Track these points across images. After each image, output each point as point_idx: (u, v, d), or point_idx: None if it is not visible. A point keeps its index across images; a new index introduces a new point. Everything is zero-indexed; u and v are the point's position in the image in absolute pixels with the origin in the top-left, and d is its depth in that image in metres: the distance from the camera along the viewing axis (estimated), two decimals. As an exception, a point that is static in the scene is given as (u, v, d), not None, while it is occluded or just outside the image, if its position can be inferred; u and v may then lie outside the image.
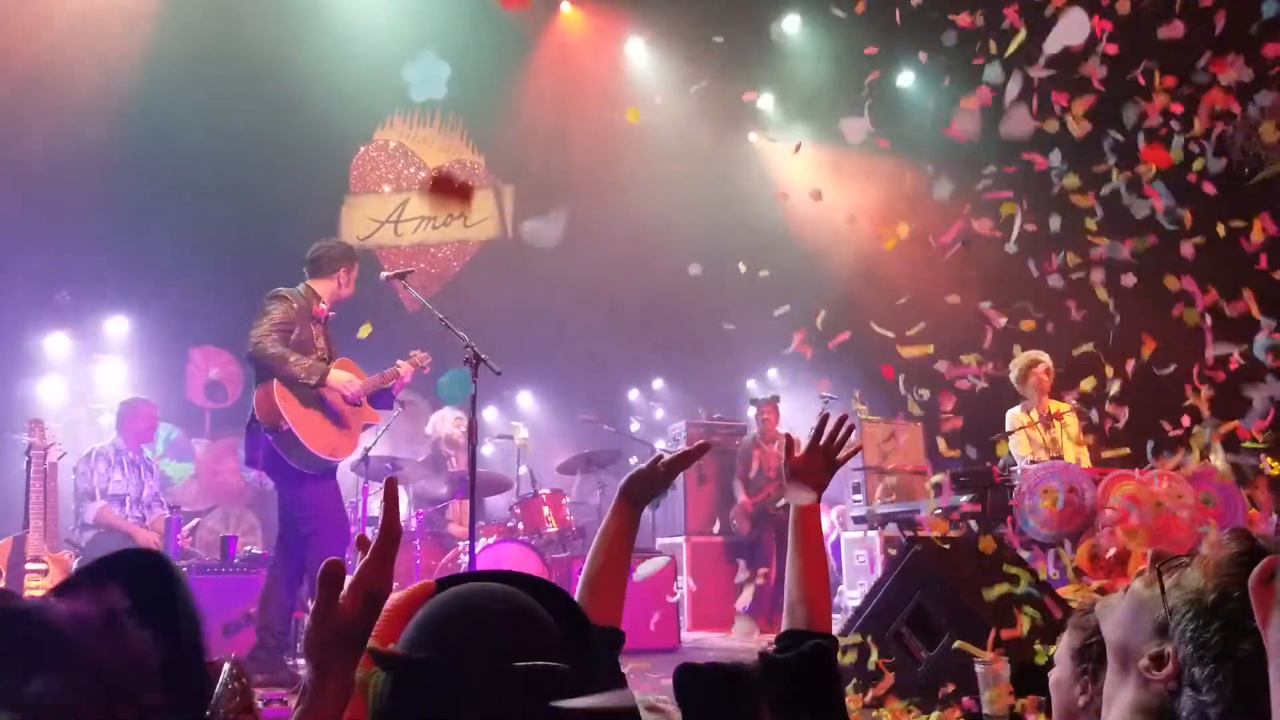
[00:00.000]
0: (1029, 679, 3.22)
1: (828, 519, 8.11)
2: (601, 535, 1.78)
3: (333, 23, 8.94)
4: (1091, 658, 1.32)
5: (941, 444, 4.66)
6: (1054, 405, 6.34)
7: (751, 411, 8.41)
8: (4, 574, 4.95)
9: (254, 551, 6.09)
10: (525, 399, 9.79)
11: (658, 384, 10.24)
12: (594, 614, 1.43)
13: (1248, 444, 5.99)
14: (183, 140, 7.89)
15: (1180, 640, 1.07)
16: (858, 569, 8.04)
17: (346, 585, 1.07)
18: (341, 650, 1.02)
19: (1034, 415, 6.29)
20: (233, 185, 7.94)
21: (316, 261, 4.77)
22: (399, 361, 4.92)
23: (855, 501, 8.47)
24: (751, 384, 10.41)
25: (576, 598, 1.62)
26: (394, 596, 1.14)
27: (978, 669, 3.33)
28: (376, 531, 1.09)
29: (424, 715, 1.02)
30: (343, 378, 4.57)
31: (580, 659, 1.11)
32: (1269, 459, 6.07)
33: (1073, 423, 6.34)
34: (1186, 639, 1.07)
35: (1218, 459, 5.94)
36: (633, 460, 9.16)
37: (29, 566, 4.99)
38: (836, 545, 8.23)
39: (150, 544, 5.77)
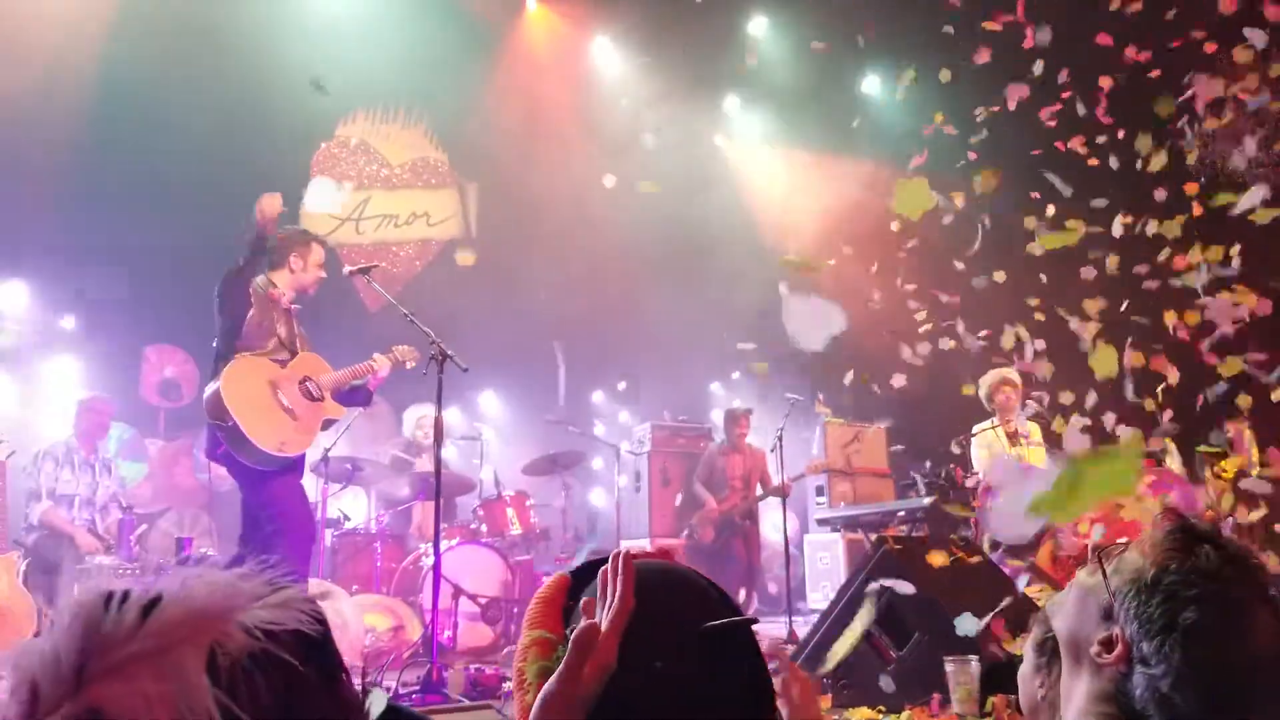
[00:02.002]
0: (999, 677, 3.22)
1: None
2: None
3: (296, 16, 8.80)
4: (1047, 651, 1.34)
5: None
6: (1022, 422, 6.40)
7: (716, 415, 8.40)
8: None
9: (209, 553, 5.95)
10: (488, 400, 9.69)
11: (622, 386, 10.19)
12: None
13: (1202, 448, 6.09)
14: (140, 134, 7.71)
15: (1126, 619, 1.11)
16: (821, 571, 8.06)
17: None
18: (576, 715, 1.02)
19: (1000, 433, 6.34)
20: (190, 181, 7.76)
21: (269, 254, 4.66)
22: (375, 355, 4.80)
23: (819, 504, 8.50)
24: (715, 386, 10.41)
25: None
26: (540, 592, 1.17)
27: (948, 668, 3.32)
28: (610, 601, 1.07)
29: (625, 687, 1.03)
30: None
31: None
32: (1222, 463, 6.18)
33: (1038, 439, 6.40)
34: (1131, 616, 1.11)
35: (1173, 462, 6.04)
36: (596, 463, 9.12)
37: (-25, 567, 4.84)
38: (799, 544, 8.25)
39: (91, 548, 5.63)
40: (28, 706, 0.62)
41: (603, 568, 1.10)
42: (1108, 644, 1.13)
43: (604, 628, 1.04)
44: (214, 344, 4.48)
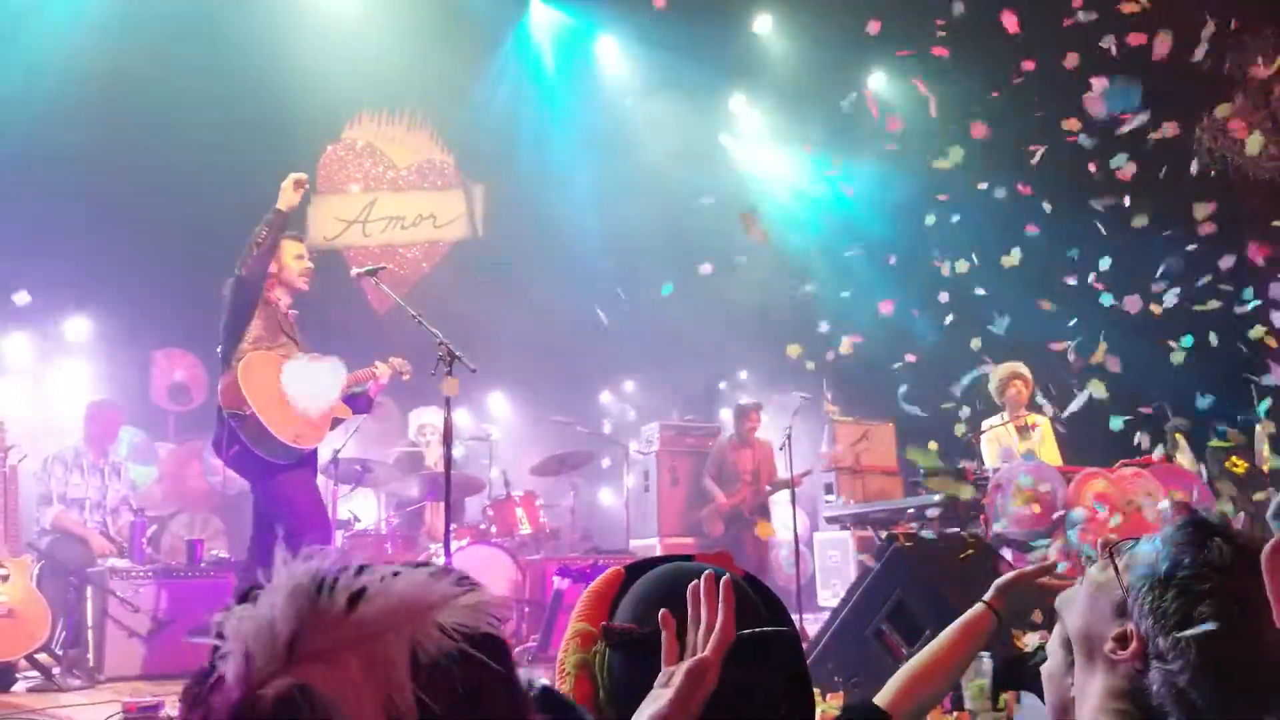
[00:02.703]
0: (1012, 674, 3.21)
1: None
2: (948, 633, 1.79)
3: (300, 19, 8.82)
4: None
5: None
6: (1030, 417, 6.38)
7: (725, 413, 8.38)
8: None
9: (221, 555, 5.97)
10: (497, 401, 9.70)
11: (629, 385, 10.19)
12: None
13: (1213, 443, 6.06)
14: (146, 138, 7.73)
15: (1140, 615, 1.10)
16: (831, 569, 8.06)
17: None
18: None
19: (1010, 428, 6.33)
20: (197, 184, 7.78)
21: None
22: (376, 362, 4.81)
23: (828, 502, 8.49)
24: (723, 385, 10.40)
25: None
26: (592, 585, 1.19)
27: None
28: (711, 634, 1.08)
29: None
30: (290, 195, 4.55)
31: (784, 624, 1.16)
32: (1234, 457, 6.15)
33: (1048, 434, 6.38)
34: (1146, 612, 1.10)
35: (1184, 457, 6.01)
36: (605, 462, 9.13)
37: (-11, 571, 4.86)
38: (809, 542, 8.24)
39: (104, 551, 5.66)
40: (244, 671, 0.65)
41: (693, 583, 1.11)
42: (1122, 640, 1.12)
43: (708, 655, 1.06)
44: (219, 349, 4.48)
